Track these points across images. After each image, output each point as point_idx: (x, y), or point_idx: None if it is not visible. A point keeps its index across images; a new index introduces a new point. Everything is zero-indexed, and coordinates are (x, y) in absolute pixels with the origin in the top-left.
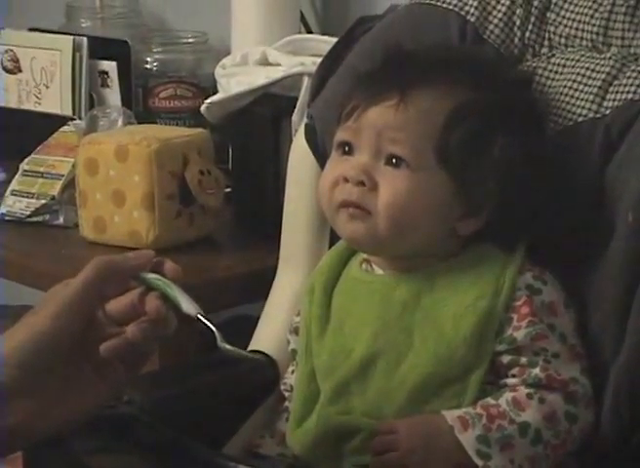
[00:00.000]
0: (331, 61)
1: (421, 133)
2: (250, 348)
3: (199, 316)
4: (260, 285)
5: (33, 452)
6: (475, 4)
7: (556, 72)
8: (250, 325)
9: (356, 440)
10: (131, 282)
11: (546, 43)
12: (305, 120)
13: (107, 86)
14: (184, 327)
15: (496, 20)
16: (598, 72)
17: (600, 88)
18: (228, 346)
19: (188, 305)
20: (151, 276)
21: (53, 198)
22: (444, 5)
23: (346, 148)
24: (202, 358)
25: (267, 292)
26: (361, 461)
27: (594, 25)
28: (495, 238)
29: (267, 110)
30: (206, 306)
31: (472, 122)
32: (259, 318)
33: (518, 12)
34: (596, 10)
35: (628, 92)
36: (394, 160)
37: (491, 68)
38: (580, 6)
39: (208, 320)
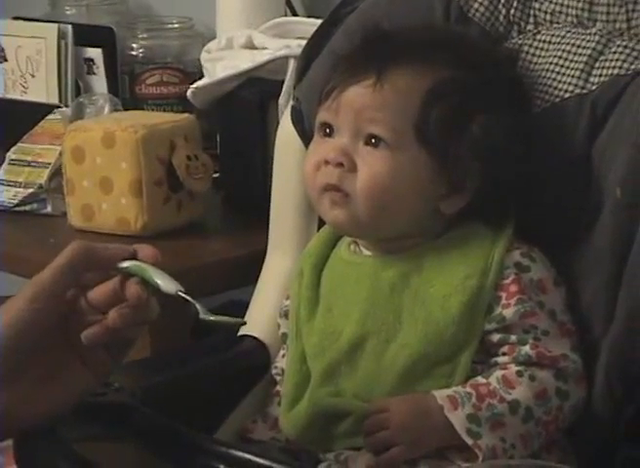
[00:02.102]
0: (315, 43)
1: (400, 112)
2: (241, 333)
3: (179, 293)
4: (250, 269)
5: (24, 441)
6: None
7: (542, 49)
8: (240, 310)
9: (347, 422)
10: (111, 271)
11: (532, 20)
12: (291, 103)
13: (93, 73)
14: (175, 313)
15: None
16: (584, 48)
17: (586, 63)
18: (212, 317)
19: (167, 284)
20: (128, 263)
21: (40, 187)
22: None
23: (327, 130)
24: (193, 344)
25: (257, 277)
26: (352, 443)
27: (579, 1)
28: (482, 216)
29: (254, 94)
30: (196, 292)
31: (451, 100)
32: (249, 303)
33: None
34: None
35: (614, 67)
36: (373, 140)
37: (471, 47)
38: None
39: (188, 295)
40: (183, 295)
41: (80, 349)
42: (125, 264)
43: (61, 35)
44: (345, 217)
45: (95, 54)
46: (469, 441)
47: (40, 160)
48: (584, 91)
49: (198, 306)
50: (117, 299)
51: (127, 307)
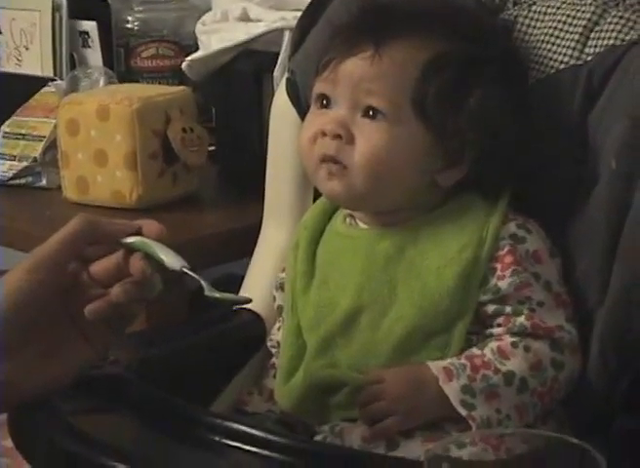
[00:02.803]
0: (311, 15)
1: (398, 84)
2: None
3: (184, 269)
4: (246, 242)
5: (18, 414)
6: None
7: (537, 20)
8: (236, 283)
9: (342, 393)
10: (115, 246)
11: None
12: (286, 75)
13: (88, 46)
14: (172, 285)
15: None
16: (579, 19)
17: (581, 34)
18: (217, 294)
19: (172, 260)
20: (132, 239)
21: (35, 160)
22: None
23: (324, 101)
24: (189, 317)
25: (253, 250)
26: (348, 415)
27: None
28: (478, 188)
29: (249, 66)
30: (191, 265)
31: (448, 72)
32: (244, 276)
33: None
34: None
35: (609, 37)
36: (371, 112)
37: (468, 18)
38: None
39: (193, 272)
40: (188, 272)
41: (81, 323)
42: (129, 240)
43: (56, 7)
44: (342, 189)
45: (89, 27)
46: (463, 412)
47: (35, 133)
48: (580, 62)
49: (203, 283)
50: (120, 274)
51: (131, 283)
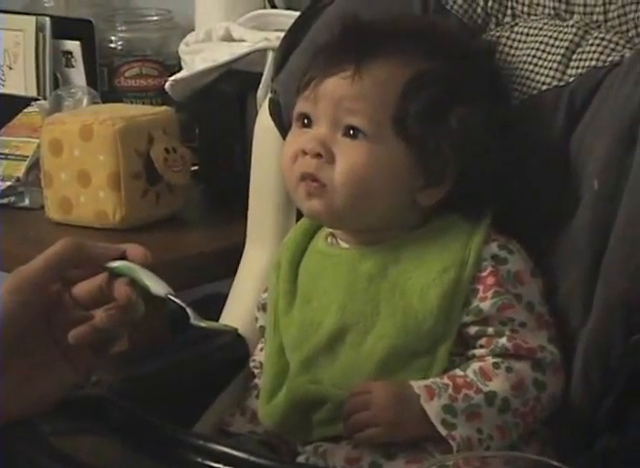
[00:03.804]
0: (294, 35)
1: (378, 103)
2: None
3: (169, 296)
4: (230, 262)
5: (0, 435)
6: None
7: (519, 41)
8: (220, 303)
9: (325, 410)
10: (98, 269)
11: (509, 12)
12: (269, 95)
13: (72, 66)
14: (155, 308)
15: None
16: (561, 40)
17: (563, 56)
18: (202, 323)
19: (157, 287)
20: (117, 263)
21: (18, 180)
22: None
23: (305, 121)
24: (172, 338)
25: (236, 270)
26: (330, 432)
27: None
28: (460, 208)
29: (232, 87)
30: (175, 285)
31: (429, 92)
32: (227, 296)
33: None
34: None
35: (591, 59)
36: (352, 131)
37: (449, 38)
38: None
39: (178, 298)
40: (173, 299)
41: (63, 345)
42: (114, 264)
43: (40, 27)
44: (321, 207)
45: (73, 46)
46: (443, 431)
47: (18, 153)
48: (562, 83)
49: (189, 311)
50: (102, 297)
51: (115, 308)
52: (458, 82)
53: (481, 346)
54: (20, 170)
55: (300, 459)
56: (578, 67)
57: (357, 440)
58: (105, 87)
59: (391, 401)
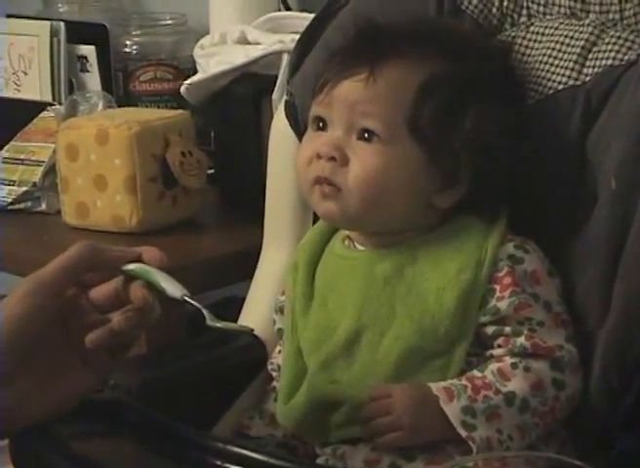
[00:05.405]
0: (309, 38)
1: (393, 106)
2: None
3: (185, 298)
4: (246, 265)
5: (19, 440)
6: None
7: (535, 41)
8: (237, 306)
9: (343, 411)
10: (114, 273)
11: (525, 12)
12: (285, 97)
13: (87, 71)
14: (171, 310)
15: None
16: (577, 39)
17: (579, 55)
18: (218, 324)
19: (173, 289)
20: (133, 266)
21: (34, 185)
22: None
23: (320, 124)
24: (189, 340)
25: (253, 273)
26: (348, 434)
27: None
28: (476, 209)
29: (247, 90)
30: (191, 288)
31: (443, 94)
32: (245, 299)
33: None
34: None
35: (608, 58)
36: (366, 134)
37: (464, 40)
38: None
39: (194, 300)
40: (190, 300)
41: (80, 349)
42: (130, 267)
43: (54, 32)
44: (336, 210)
45: (88, 51)
46: (463, 433)
47: (34, 158)
48: (578, 82)
49: (205, 312)
50: (118, 300)
51: (132, 311)
52: (472, 83)
53: (499, 346)
54: (37, 175)
55: (320, 461)
56: (594, 66)
57: (378, 444)
58: (120, 91)
59: (412, 405)
